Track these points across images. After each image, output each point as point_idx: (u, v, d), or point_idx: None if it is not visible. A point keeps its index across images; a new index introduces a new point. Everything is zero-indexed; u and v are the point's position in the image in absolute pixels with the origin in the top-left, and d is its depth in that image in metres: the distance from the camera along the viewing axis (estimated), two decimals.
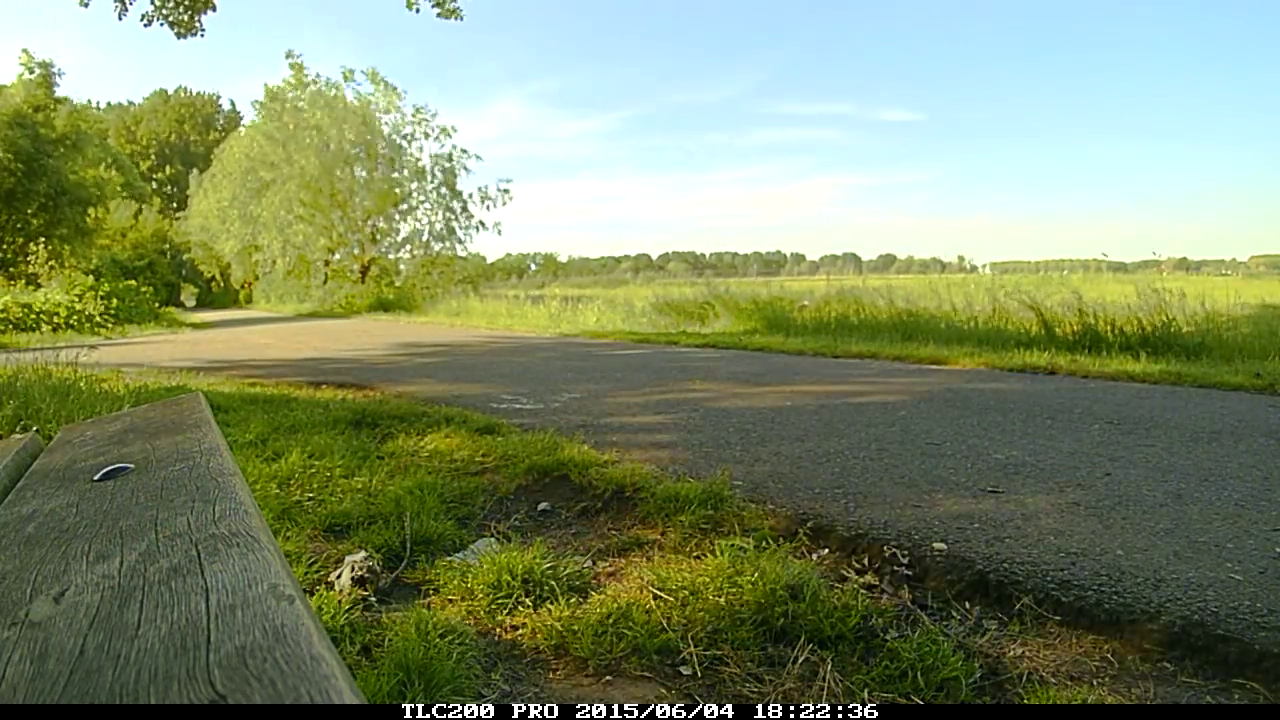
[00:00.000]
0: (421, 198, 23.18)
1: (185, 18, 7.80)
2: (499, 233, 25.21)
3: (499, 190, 22.91)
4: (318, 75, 23.11)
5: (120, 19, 7.63)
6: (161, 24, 7.79)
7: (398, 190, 22.49)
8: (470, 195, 23.12)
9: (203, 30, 7.90)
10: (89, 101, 41.56)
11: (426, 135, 22.72)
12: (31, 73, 17.69)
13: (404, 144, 22.66)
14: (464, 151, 22.94)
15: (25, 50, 17.78)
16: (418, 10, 8.19)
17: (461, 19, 8.32)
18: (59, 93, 18.23)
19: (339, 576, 1.78)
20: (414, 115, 22.54)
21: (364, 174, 22.45)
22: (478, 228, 23.26)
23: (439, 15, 8.27)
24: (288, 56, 23.07)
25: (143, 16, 7.70)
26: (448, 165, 22.89)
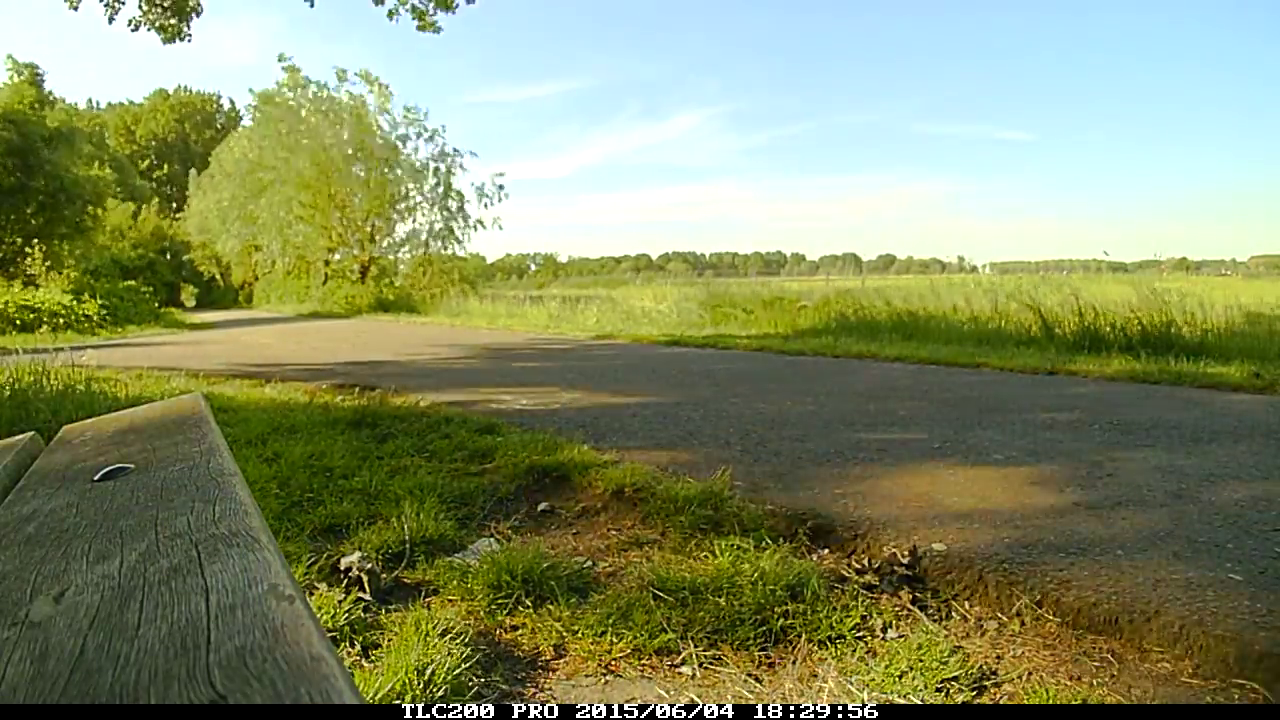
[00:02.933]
0: (419, 197, 23.24)
1: (172, 23, 7.82)
2: (500, 228, 26.66)
3: (495, 187, 23.04)
4: (309, 77, 23.17)
5: (110, 22, 7.67)
6: (149, 29, 7.82)
7: (395, 190, 22.50)
8: (466, 194, 23.30)
9: (190, 35, 7.93)
10: (89, 101, 41.72)
11: (419, 135, 22.84)
12: (19, 74, 17.62)
13: (399, 144, 22.71)
14: (457, 151, 23.15)
15: (10, 56, 17.77)
16: (397, 20, 8.37)
17: (439, 31, 8.50)
18: (51, 94, 18.13)
19: (338, 577, 1.78)
20: (405, 116, 22.63)
21: (361, 173, 22.46)
22: (475, 226, 23.35)
23: (419, 28, 8.42)
24: (280, 59, 23.19)
25: (130, 21, 7.73)
26: (442, 165, 23.05)
